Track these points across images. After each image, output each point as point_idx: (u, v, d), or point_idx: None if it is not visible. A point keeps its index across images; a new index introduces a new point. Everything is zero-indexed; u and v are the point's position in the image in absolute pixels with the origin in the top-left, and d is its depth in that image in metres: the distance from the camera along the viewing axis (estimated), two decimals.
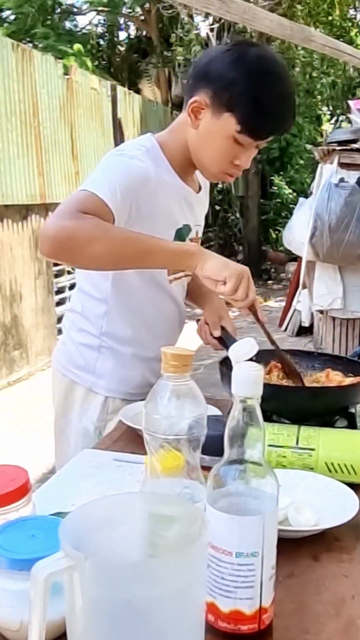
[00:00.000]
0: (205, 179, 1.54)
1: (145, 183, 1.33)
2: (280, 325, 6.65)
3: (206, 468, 0.76)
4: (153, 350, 1.51)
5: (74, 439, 1.55)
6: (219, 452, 0.72)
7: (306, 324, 5.93)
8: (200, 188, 1.53)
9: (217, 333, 1.50)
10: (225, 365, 1.32)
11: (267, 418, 1.21)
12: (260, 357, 1.50)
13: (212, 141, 1.33)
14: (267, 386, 1.26)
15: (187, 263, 1.25)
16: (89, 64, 9.15)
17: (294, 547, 0.91)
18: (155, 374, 1.51)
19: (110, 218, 1.24)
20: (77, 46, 9.24)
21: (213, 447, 0.76)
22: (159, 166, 1.37)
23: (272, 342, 1.40)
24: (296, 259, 6.37)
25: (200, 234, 1.59)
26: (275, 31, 3.17)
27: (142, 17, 11.78)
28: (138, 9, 11.70)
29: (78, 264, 1.31)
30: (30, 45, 7.62)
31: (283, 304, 7.18)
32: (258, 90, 1.25)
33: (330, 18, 11.09)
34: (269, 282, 10.53)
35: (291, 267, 8.70)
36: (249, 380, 0.69)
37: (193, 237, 1.53)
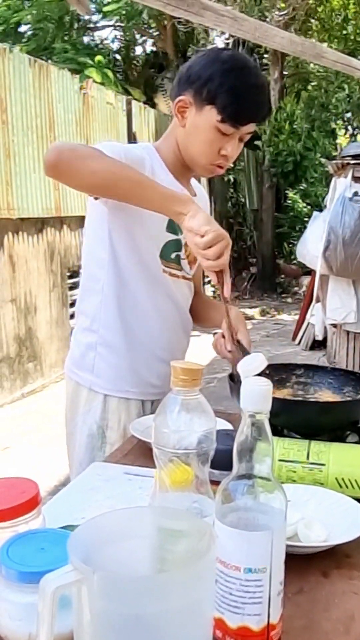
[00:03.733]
0: (204, 195, 1.63)
1: (141, 164, 1.42)
2: (294, 339, 6.63)
3: (215, 482, 0.76)
4: (149, 347, 1.53)
5: (79, 441, 1.57)
6: (229, 467, 0.72)
7: (320, 337, 5.90)
8: (194, 195, 1.59)
9: (232, 347, 1.50)
10: (234, 379, 1.32)
11: (278, 432, 1.21)
12: (279, 370, 1.51)
13: (199, 134, 1.43)
14: (277, 401, 1.27)
15: (175, 208, 1.29)
16: (110, 75, 9.26)
17: (304, 563, 0.91)
18: (153, 373, 1.53)
19: None
20: (99, 58, 9.36)
21: (223, 461, 0.75)
22: (154, 162, 1.47)
23: (227, 311, 1.39)
24: (310, 272, 6.36)
25: None
26: (286, 48, 3.20)
27: (158, 32, 11.91)
28: (154, 24, 11.83)
29: (74, 177, 1.34)
30: (49, 61, 7.71)
31: (297, 317, 7.16)
32: (233, 81, 1.37)
33: (345, 33, 11.14)
34: (283, 295, 10.51)
35: (305, 280, 8.69)
36: (257, 395, 0.69)
37: None
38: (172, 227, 1.49)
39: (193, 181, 1.65)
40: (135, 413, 1.55)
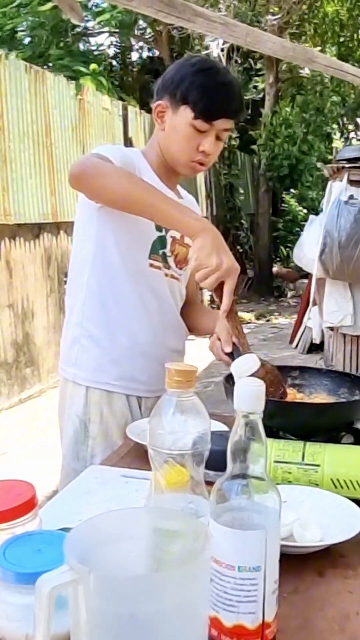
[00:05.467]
0: (192, 201, 1.71)
1: (132, 165, 1.50)
2: (291, 342, 6.64)
3: (210, 483, 0.76)
4: (132, 341, 1.55)
5: (66, 436, 1.59)
6: (223, 468, 0.73)
7: (317, 341, 5.92)
8: (181, 199, 1.65)
9: (228, 349, 1.51)
10: (230, 381, 1.33)
11: (273, 434, 1.22)
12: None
13: (177, 133, 1.50)
14: (272, 403, 1.28)
15: (188, 224, 1.35)
16: (105, 82, 9.28)
17: (299, 563, 0.91)
18: (136, 367, 1.55)
19: None
20: (93, 66, 9.37)
21: (217, 462, 0.76)
22: (142, 166, 1.55)
23: (235, 338, 1.40)
24: (307, 276, 6.37)
25: (189, 242, 1.61)
26: (278, 53, 3.22)
27: (154, 39, 11.95)
28: (149, 30, 11.87)
29: (96, 190, 1.43)
30: (46, 67, 7.74)
31: (294, 321, 7.17)
32: (202, 80, 1.46)
33: (341, 39, 11.20)
34: (280, 299, 10.53)
35: (302, 284, 8.70)
36: (251, 396, 0.70)
37: (177, 238, 1.59)
38: (159, 227, 1.53)
39: (183, 192, 1.70)
40: (119, 407, 1.56)
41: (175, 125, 1.50)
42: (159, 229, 1.54)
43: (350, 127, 11.89)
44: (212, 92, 1.46)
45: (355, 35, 11.30)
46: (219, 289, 1.31)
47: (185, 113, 1.47)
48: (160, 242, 1.56)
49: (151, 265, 1.55)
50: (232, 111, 1.50)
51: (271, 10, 9.82)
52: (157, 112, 1.53)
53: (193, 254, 1.31)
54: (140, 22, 11.48)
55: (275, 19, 9.65)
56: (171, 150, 1.54)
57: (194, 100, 1.45)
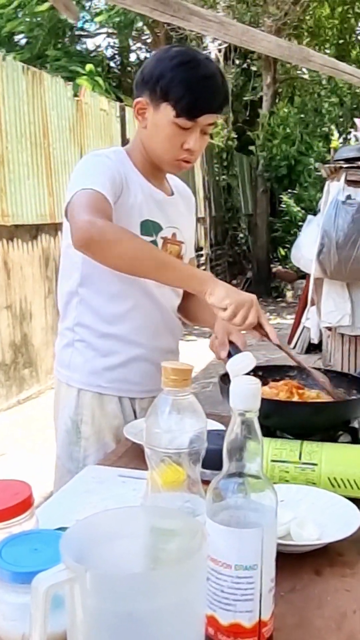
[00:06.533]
0: (188, 194, 1.69)
1: (118, 176, 1.46)
2: (289, 342, 6.64)
3: (207, 482, 0.76)
4: (126, 344, 1.54)
5: (59, 437, 1.60)
6: (220, 466, 0.73)
7: (315, 341, 5.92)
8: (172, 193, 1.63)
9: (224, 354, 1.51)
10: (225, 380, 1.33)
11: (271, 433, 1.22)
12: (273, 372, 1.52)
13: (159, 132, 1.45)
14: (270, 402, 1.28)
15: (196, 286, 1.34)
16: (102, 83, 9.28)
17: (297, 562, 0.91)
18: (130, 370, 1.55)
19: (110, 207, 1.39)
20: (90, 66, 9.36)
21: (214, 461, 0.76)
22: (124, 165, 1.51)
23: (295, 360, 1.44)
24: (305, 276, 6.37)
25: (181, 238, 1.63)
26: (274, 52, 3.22)
27: (152, 40, 11.95)
28: (147, 31, 11.87)
29: (103, 258, 1.38)
30: (43, 69, 7.73)
31: (292, 321, 7.17)
32: (182, 75, 1.39)
33: (341, 41, 11.22)
34: (278, 299, 10.52)
35: (300, 284, 8.70)
36: (247, 394, 0.70)
37: (168, 238, 1.58)
38: (147, 229, 1.52)
39: (175, 179, 1.68)
40: (112, 409, 1.56)
41: (157, 124, 1.44)
42: (148, 234, 1.52)
43: (349, 128, 11.89)
44: (194, 87, 1.38)
45: (350, 36, 11.32)
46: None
47: (167, 111, 1.41)
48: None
49: None
50: (216, 106, 1.44)
51: (268, 12, 9.82)
52: (138, 109, 1.47)
53: (225, 299, 1.28)
54: (139, 23, 11.47)
55: (273, 21, 9.65)
56: (154, 150, 1.49)
57: (175, 97, 1.38)
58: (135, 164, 1.53)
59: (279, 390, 1.35)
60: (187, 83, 1.38)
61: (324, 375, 1.44)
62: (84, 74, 9.09)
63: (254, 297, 1.31)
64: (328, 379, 1.42)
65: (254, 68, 11.38)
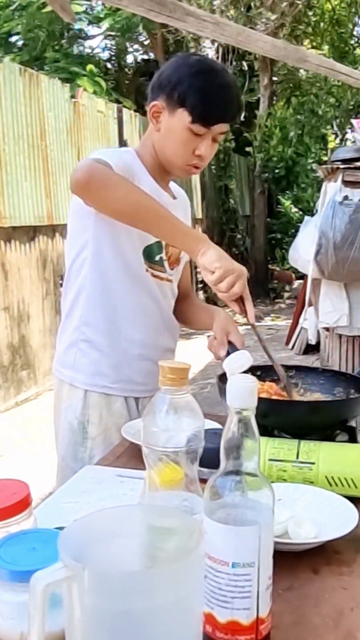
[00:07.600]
0: (185, 199, 1.71)
1: (130, 170, 1.48)
2: (287, 343, 6.64)
3: (205, 481, 0.76)
4: (131, 345, 1.55)
5: (62, 437, 1.60)
6: (217, 465, 0.73)
7: (313, 341, 5.91)
8: (174, 197, 1.65)
9: (223, 353, 1.51)
10: (223, 380, 1.33)
11: (268, 433, 1.22)
12: (271, 371, 1.52)
13: (173, 136, 1.48)
14: (267, 401, 1.28)
15: (191, 244, 1.35)
16: (103, 84, 9.28)
17: (294, 560, 0.91)
18: (134, 370, 1.56)
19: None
20: (90, 67, 9.36)
21: (211, 459, 0.76)
22: (135, 165, 1.53)
23: (265, 349, 1.43)
24: (303, 277, 6.37)
25: None
26: (269, 52, 3.22)
27: (149, 41, 11.96)
28: (144, 32, 11.88)
29: (102, 200, 1.40)
30: (41, 70, 7.73)
31: (290, 322, 7.17)
32: (200, 83, 1.43)
33: (342, 44, 11.23)
34: (276, 300, 10.53)
35: (298, 285, 8.71)
36: (243, 392, 0.70)
37: None
38: None
39: (174, 185, 1.70)
40: (118, 409, 1.57)
41: (171, 128, 1.47)
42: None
43: (346, 128, 11.90)
44: (210, 96, 1.42)
45: (351, 35, 11.35)
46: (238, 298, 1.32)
47: (182, 116, 1.44)
48: (158, 247, 1.55)
49: (147, 270, 1.55)
50: (231, 115, 1.49)
51: (265, 16, 9.83)
52: (153, 112, 1.50)
53: (216, 262, 1.28)
54: (139, 26, 11.47)
55: (270, 21, 9.67)
56: (166, 153, 1.52)
57: (192, 104, 1.42)
58: (145, 165, 1.55)
59: (260, 392, 1.36)
60: (204, 91, 1.42)
61: (286, 374, 1.45)
62: (84, 75, 9.09)
63: (244, 269, 1.32)
64: (287, 377, 1.44)
65: (249, 67, 11.38)
